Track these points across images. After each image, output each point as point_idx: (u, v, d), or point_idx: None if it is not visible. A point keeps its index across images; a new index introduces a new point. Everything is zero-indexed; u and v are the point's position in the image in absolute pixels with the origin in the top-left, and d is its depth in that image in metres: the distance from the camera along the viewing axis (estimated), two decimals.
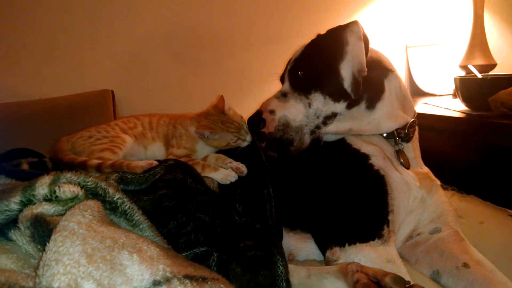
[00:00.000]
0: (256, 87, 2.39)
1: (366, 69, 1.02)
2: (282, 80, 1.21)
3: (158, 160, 1.07)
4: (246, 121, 1.15)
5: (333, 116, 1.07)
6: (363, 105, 1.08)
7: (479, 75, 1.55)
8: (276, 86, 2.37)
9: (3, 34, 2.09)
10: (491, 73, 1.88)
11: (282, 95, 1.11)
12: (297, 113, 1.06)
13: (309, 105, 1.06)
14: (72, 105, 2.01)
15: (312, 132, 1.07)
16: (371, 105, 1.08)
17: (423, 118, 1.71)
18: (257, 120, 1.09)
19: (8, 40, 2.10)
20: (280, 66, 2.43)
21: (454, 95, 2.03)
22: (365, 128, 1.10)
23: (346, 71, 1.03)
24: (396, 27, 2.33)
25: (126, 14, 2.19)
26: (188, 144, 1.16)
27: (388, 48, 2.30)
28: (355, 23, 1.06)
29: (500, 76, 1.57)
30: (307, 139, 1.07)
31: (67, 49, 2.16)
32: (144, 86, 2.29)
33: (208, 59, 2.31)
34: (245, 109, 2.44)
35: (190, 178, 1.03)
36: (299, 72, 1.09)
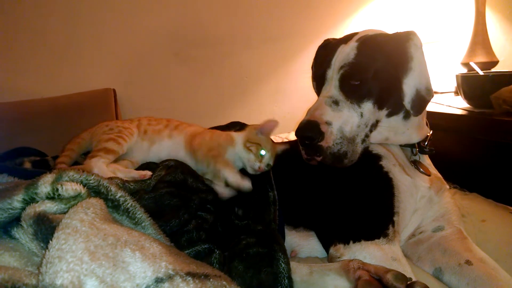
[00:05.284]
0: (257, 85, 2.39)
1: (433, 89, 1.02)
2: (318, 80, 1.13)
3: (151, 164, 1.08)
4: (296, 130, 1.03)
5: (376, 123, 1.06)
6: (401, 115, 1.07)
7: (481, 73, 1.54)
8: (275, 85, 2.38)
9: (5, 33, 2.09)
10: (493, 70, 1.87)
11: (334, 103, 1.02)
12: (352, 123, 1.01)
13: (362, 114, 1.02)
14: (74, 104, 2.02)
15: (363, 141, 1.04)
16: (407, 115, 1.07)
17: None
18: (314, 132, 0.99)
19: (10, 39, 2.10)
20: (281, 65, 2.44)
21: (456, 93, 2.02)
22: (400, 138, 1.10)
23: (409, 88, 1.01)
24: (397, 25, 2.32)
25: (128, 13, 2.20)
26: (224, 142, 1.14)
27: None
28: (415, 34, 1.04)
29: (502, 74, 1.56)
30: (359, 149, 1.03)
31: (69, 48, 2.17)
32: (145, 85, 2.29)
33: (210, 58, 2.31)
34: (246, 108, 2.45)
35: (191, 178, 1.04)
36: (355, 80, 1.02)
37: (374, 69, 1.01)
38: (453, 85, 2.13)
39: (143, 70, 2.27)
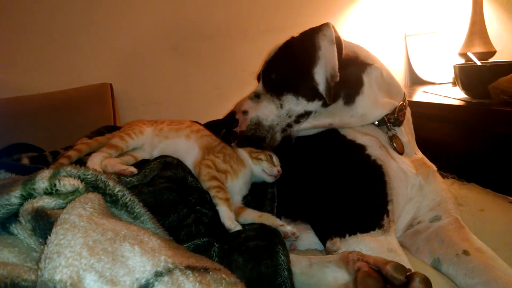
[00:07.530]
0: (255, 78, 2.38)
1: (339, 74, 1.02)
2: (258, 79, 1.22)
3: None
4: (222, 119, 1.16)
5: (306, 114, 1.09)
6: (340, 102, 1.08)
7: (479, 63, 1.54)
8: None
9: (1, 29, 2.07)
10: (490, 60, 1.87)
11: (256, 96, 1.15)
12: (269, 113, 1.10)
13: (281, 106, 1.09)
14: (70, 99, 2.01)
15: (284, 130, 1.10)
16: (349, 101, 1.08)
17: (422, 107, 1.71)
18: (230, 120, 1.14)
19: (6, 34, 2.09)
20: None
21: (454, 83, 2.02)
22: (349, 121, 1.10)
23: (320, 76, 1.04)
24: (395, 15, 2.31)
25: (124, 7, 2.18)
26: (236, 165, 1.08)
27: (387, 36, 2.29)
28: (327, 25, 1.06)
29: (499, 63, 1.56)
30: (278, 137, 1.10)
31: (65, 43, 2.15)
32: (142, 79, 2.28)
33: (207, 51, 2.30)
34: None
35: (191, 177, 1.03)
36: (272, 75, 1.13)
37: (288, 64, 1.10)
38: (450, 75, 2.13)
39: (140, 64, 2.26)
